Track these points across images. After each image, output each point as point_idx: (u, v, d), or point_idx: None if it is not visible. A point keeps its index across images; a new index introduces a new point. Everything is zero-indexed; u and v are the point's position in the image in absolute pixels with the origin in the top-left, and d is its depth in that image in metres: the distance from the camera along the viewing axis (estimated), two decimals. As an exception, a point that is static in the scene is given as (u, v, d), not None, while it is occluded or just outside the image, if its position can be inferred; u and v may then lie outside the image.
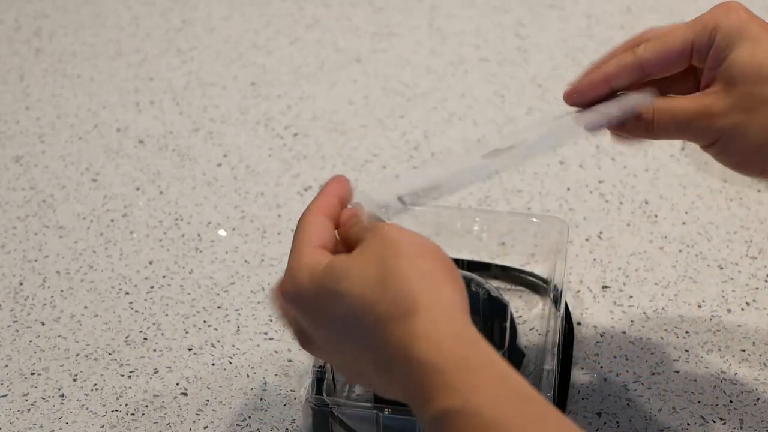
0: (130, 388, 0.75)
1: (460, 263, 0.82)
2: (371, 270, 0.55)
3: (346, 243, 0.60)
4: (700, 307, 0.80)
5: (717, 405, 0.73)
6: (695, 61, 0.66)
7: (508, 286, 0.82)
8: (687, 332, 0.79)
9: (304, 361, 0.77)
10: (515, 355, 0.75)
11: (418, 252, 0.56)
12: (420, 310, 0.54)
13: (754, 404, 0.73)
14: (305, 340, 0.60)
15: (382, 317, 0.54)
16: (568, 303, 0.80)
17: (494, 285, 0.79)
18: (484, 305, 0.75)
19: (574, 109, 0.69)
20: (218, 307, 0.81)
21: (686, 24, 0.66)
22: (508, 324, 0.75)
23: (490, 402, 0.52)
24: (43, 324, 0.80)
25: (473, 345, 0.54)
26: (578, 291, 0.82)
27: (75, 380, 0.76)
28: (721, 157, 0.67)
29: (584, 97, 0.67)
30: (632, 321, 0.79)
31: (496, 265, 0.82)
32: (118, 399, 0.75)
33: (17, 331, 0.80)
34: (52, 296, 0.82)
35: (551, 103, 1.00)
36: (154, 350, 0.78)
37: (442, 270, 0.56)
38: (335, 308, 0.56)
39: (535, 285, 0.81)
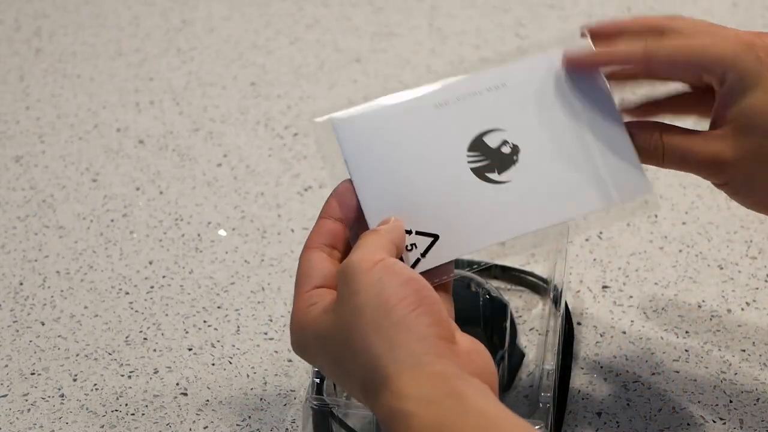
0: (130, 388, 0.75)
1: (460, 263, 0.82)
2: (339, 336, 0.56)
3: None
4: (700, 307, 0.80)
5: (717, 405, 0.73)
6: (704, 80, 0.64)
7: (508, 286, 0.82)
8: (687, 332, 0.79)
9: (304, 360, 0.77)
10: (515, 355, 0.75)
11: (379, 303, 0.55)
12: (388, 384, 0.54)
13: (754, 404, 0.73)
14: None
15: (359, 386, 0.56)
16: (568, 303, 0.80)
17: (494, 285, 0.79)
18: (484, 305, 0.75)
19: None
20: (218, 307, 0.81)
21: (707, 42, 0.63)
22: (508, 324, 0.75)
23: None
24: (43, 324, 0.80)
25: (444, 401, 0.53)
26: (578, 291, 0.82)
27: (75, 380, 0.76)
28: (734, 198, 0.66)
29: (583, 66, 0.65)
30: (632, 321, 0.79)
31: (496, 265, 0.82)
32: (118, 399, 0.75)
33: (17, 331, 0.80)
34: (52, 296, 0.82)
35: (551, 103, 1.00)
36: (154, 350, 0.78)
37: (409, 311, 0.55)
38: (324, 358, 0.58)
39: (535, 285, 0.81)
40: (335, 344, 0.57)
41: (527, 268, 0.82)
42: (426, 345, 0.54)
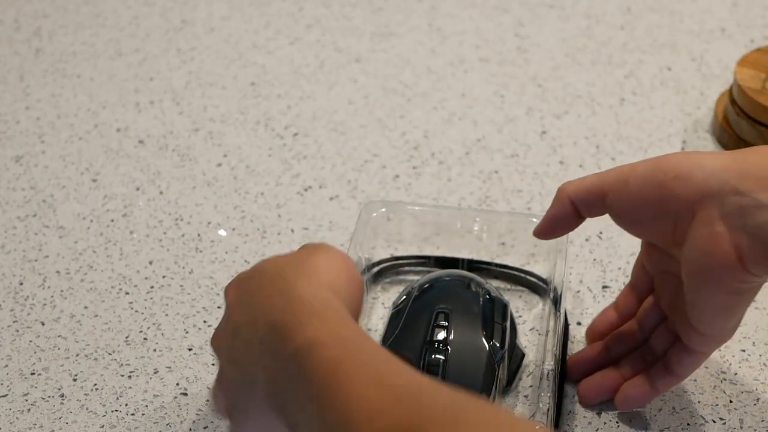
0: (130, 388, 0.75)
1: (460, 263, 0.82)
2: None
3: None
4: (700, 307, 0.80)
5: (717, 405, 0.73)
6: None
7: (508, 286, 0.82)
8: (687, 332, 0.78)
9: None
10: (515, 356, 0.75)
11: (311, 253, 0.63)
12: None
13: (754, 404, 0.73)
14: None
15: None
16: (569, 303, 0.80)
17: (494, 285, 0.79)
18: (485, 305, 0.75)
19: None
20: (218, 307, 0.81)
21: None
22: (508, 324, 0.75)
23: (356, 338, 0.56)
24: (43, 324, 0.80)
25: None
26: (578, 291, 0.82)
27: (75, 380, 0.76)
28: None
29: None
30: (632, 321, 0.79)
31: (497, 265, 0.82)
32: (118, 399, 0.75)
33: (17, 331, 0.80)
34: (52, 296, 0.82)
35: (551, 103, 1.00)
36: (154, 350, 0.78)
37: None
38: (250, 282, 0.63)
39: (535, 285, 0.81)
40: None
41: (527, 268, 0.82)
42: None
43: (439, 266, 0.82)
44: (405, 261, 0.83)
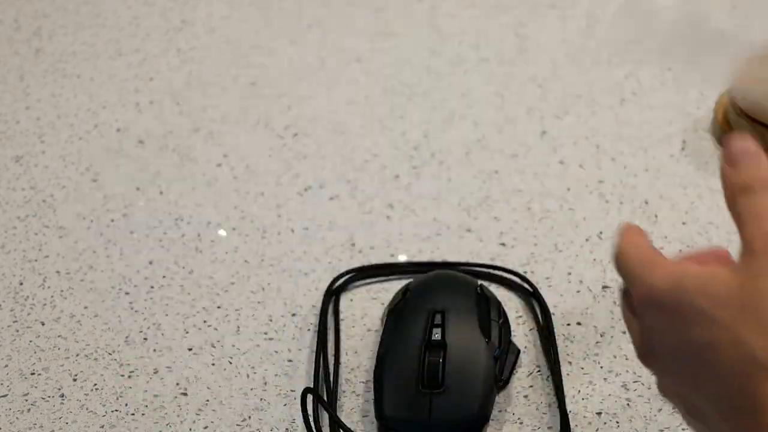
0: (130, 388, 0.75)
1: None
2: (755, 300, 0.46)
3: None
4: (700, 307, 0.80)
5: (717, 405, 0.73)
6: None
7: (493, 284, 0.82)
8: (687, 332, 0.78)
9: (304, 360, 0.77)
10: (511, 352, 0.75)
11: None
12: None
13: (754, 404, 0.73)
14: (645, 352, 0.53)
15: (751, 360, 0.45)
16: (568, 303, 0.80)
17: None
18: (479, 303, 0.75)
19: None
20: (218, 307, 0.81)
21: None
22: (502, 321, 0.75)
23: None
24: (43, 324, 0.80)
25: None
26: (578, 291, 0.82)
27: (75, 380, 0.76)
28: None
29: None
30: (632, 321, 0.79)
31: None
32: (118, 399, 0.75)
33: (17, 331, 0.80)
34: (52, 296, 0.82)
35: (551, 103, 1.00)
36: (154, 350, 0.78)
37: None
38: (692, 327, 0.48)
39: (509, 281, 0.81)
40: (734, 311, 0.46)
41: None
42: None
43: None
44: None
